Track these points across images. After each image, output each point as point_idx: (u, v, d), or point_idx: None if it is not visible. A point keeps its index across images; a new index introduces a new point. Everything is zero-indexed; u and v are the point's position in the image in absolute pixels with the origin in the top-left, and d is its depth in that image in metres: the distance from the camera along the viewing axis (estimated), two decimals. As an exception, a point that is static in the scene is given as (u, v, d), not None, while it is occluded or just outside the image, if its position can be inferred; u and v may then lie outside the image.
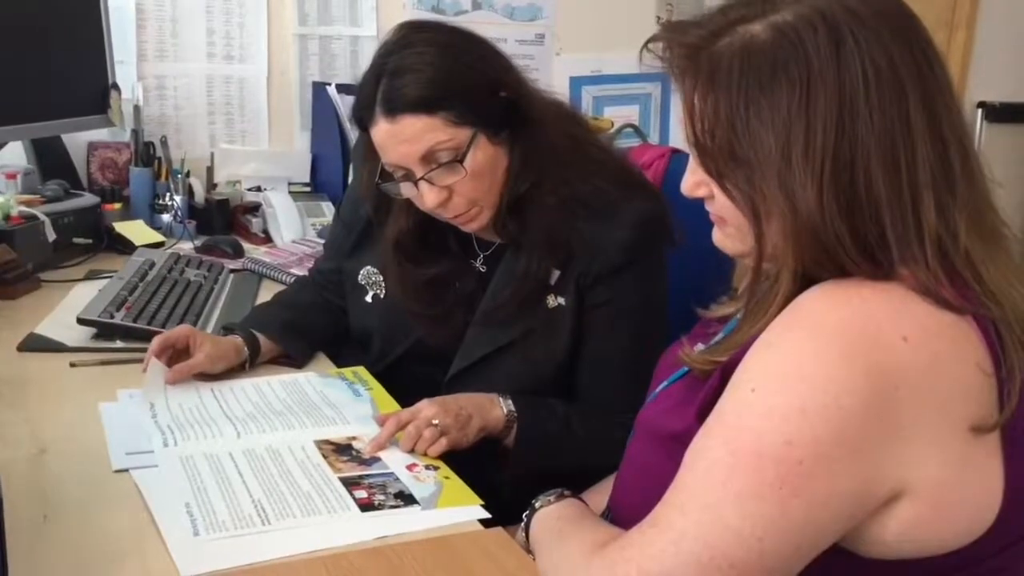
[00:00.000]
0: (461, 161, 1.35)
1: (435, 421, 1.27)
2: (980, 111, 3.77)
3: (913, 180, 0.85)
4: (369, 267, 1.58)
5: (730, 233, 0.95)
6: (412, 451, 1.26)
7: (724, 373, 0.91)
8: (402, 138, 1.35)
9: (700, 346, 1.05)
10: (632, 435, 1.11)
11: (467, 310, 1.49)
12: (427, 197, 1.37)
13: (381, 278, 1.56)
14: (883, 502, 0.83)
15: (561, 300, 1.44)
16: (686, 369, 1.04)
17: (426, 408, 1.30)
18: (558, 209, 1.41)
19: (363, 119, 1.39)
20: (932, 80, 0.87)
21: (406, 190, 1.40)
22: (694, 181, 0.95)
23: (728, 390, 0.87)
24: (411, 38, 1.39)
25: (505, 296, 1.45)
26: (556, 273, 1.43)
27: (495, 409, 1.37)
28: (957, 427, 0.82)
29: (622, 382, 1.42)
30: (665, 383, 1.07)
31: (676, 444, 0.93)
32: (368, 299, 1.58)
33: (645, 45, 0.96)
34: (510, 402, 1.38)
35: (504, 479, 1.36)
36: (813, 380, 0.81)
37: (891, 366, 0.80)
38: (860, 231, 0.85)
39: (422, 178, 1.36)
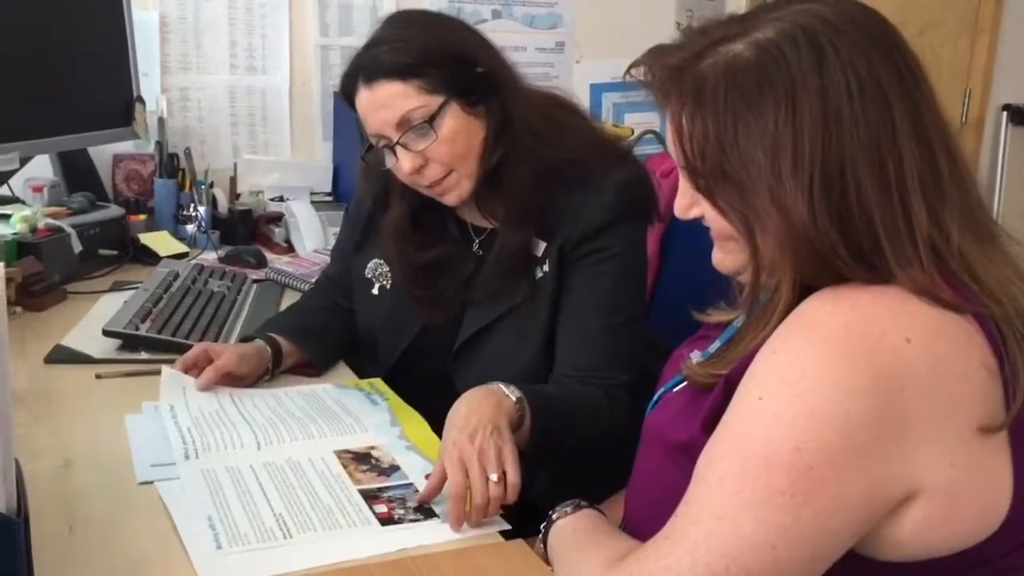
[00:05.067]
0: (431, 123, 1.40)
1: (493, 477, 1.15)
2: (1005, 114, 3.74)
3: (902, 186, 0.86)
4: (376, 260, 1.63)
5: (730, 248, 0.95)
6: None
7: (727, 383, 0.92)
8: (379, 104, 1.42)
9: (697, 353, 1.06)
10: (640, 442, 1.11)
11: (466, 292, 1.53)
12: (404, 163, 1.43)
13: (387, 269, 1.60)
14: (896, 504, 0.83)
15: (545, 268, 1.49)
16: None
17: (470, 463, 1.15)
18: (533, 181, 1.45)
19: (348, 91, 1.46)
20: (914, 88, 0.89)
21: (388, 160, 1.46)
22: (685, 203, 0.97)
23: (735, 400, 0.88)
24: (396, 18, 1.51)
25: (493, 270, 1.49)
26: (542, 245, 1.48)
27: (506, 401, 1.29)
28: (965, 427, 0.82)
29: (598, 338, 1.45)
30: (667, 385, 1.08)
31: (682, 454, 0.94)
32: (375, 291, 1.62)
33: (628, 70, 0.97)
34: (514, 388, 1.31)
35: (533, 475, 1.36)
36: (819, 386, 0.81)
37: (896, 368, 0.81)
38: (854, 239, 0.86)
39: (397, 142, 1.42)
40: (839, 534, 0.82)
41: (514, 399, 1.29)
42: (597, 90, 3.03)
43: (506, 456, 1.17)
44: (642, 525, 1.02)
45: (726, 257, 0.97)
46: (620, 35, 3.02)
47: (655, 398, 1.10)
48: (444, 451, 1.18)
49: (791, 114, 0.86)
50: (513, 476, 1.16)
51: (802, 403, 0.81)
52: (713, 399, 0.93)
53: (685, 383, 1.05)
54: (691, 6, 3.12)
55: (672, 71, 0.93)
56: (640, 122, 3.06)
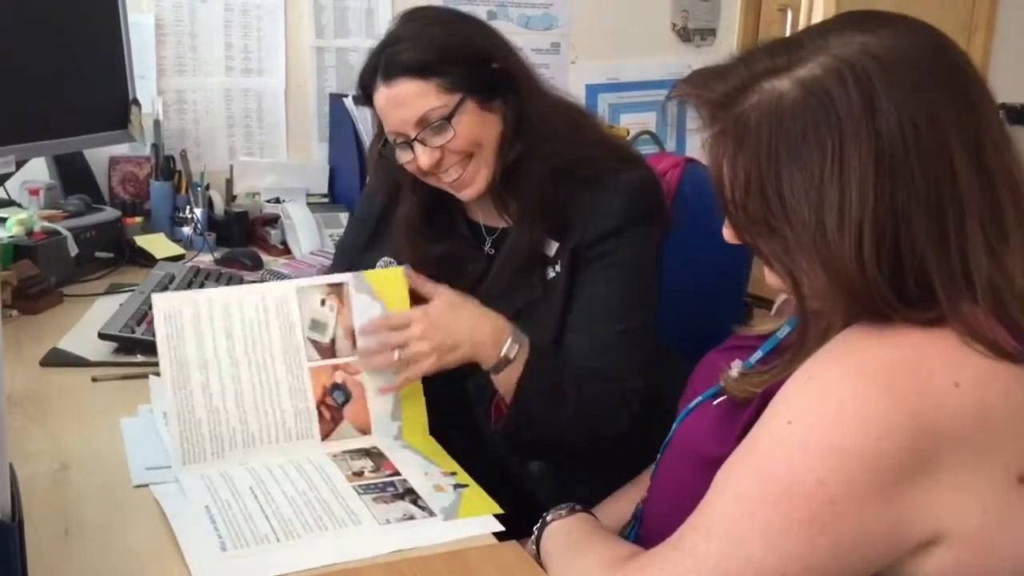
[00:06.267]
0: (449, 119, 1.41)
1: (412, 347, 1.33)
2: (1001, 113, 3.74)
3: (961, 233, 0.81)
4: (385, 257, 1.62)
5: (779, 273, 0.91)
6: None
7: (764, 399, 0.89)
8: (398, 101, 1.43)
9: (738, 362, 1.02)
10: (666, 447, 1.09)
11: (477, 291, 1.52)
12: (422, 158, 1.44)
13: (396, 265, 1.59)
14: (918, 545, 0.81)
15: (557, 269, 1.49)
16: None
17: (415, 327, 1.33)
18: (550, 179, 1.46)
19: (367, 87, 1.47)
20: (972, 120, 0.82)
21: (404, 156, 1.46)
22: (732, 233, 0.92)
23: (764, 419, 0.86)
24: (412, 15, 1.52)
25: (506, 267, 1.50)
26: (555, 245, 1.48)
27: (495, 348, 1.37)
28: (1004, 476, 0.80)
29: (611, 341, 1.43)
30: (702, 397, 1.05)
31: (714, 469, 0.90)
32: None
33: (669, 97, 0.94)
34: (517, 346, 1.37)
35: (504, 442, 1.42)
36: (854, 420, 0.79)
37: (937, 412, 0.79)
38: (907, 289, 0.81)
39: (416, 139, 1.43)
40: (852, 567, 0.81)
41: (501, 353, 1.36)
42: (592, 91, 3.03)
43: (429, 364, 1.32)
44: (658, 526, 1.00)
45: (775, 280, 0.92)
46: (615, 36, 3.03)
47: (691, 406, 1.06)
48: (421, 313, 1.35)
49: (838, 166, 0.80)
50: (411, 373, 1.32)
51: (832, 435, 0.79)
52: (748, 415, 0.91)
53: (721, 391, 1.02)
54: (686, 7, 3.13)
55: (713, 107, 0.87)
56: (635, 122, 3.06)
